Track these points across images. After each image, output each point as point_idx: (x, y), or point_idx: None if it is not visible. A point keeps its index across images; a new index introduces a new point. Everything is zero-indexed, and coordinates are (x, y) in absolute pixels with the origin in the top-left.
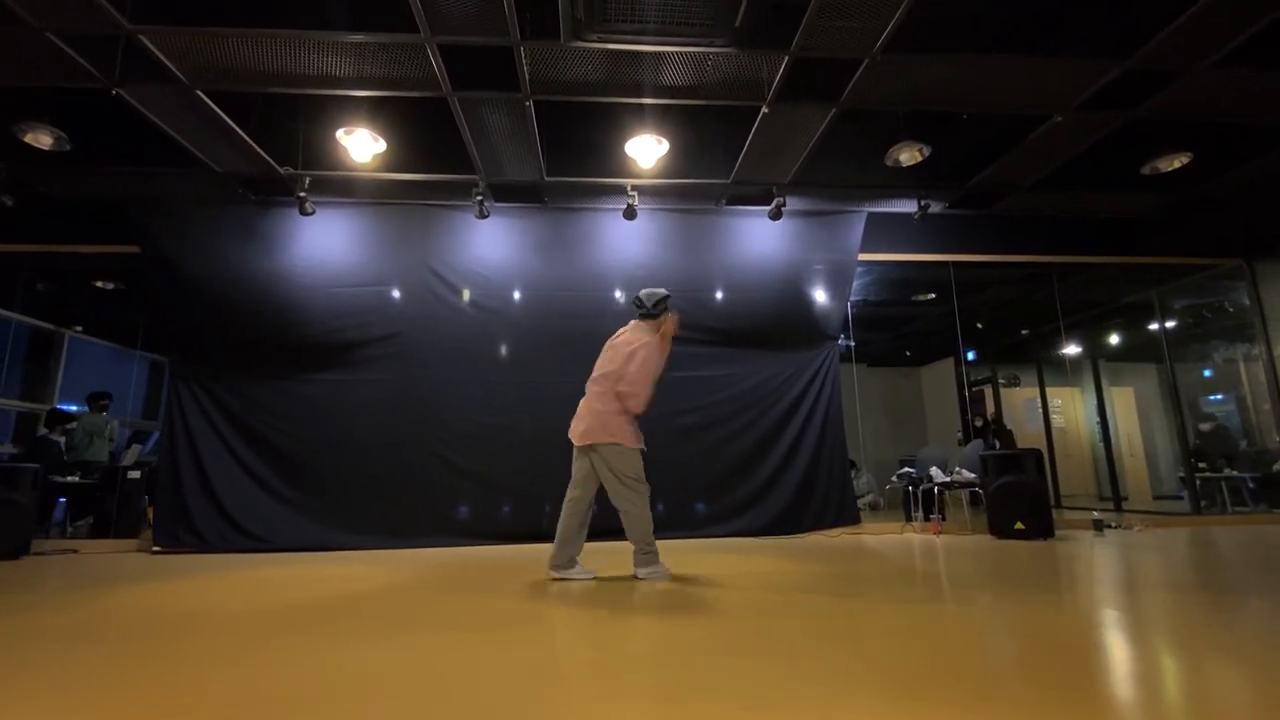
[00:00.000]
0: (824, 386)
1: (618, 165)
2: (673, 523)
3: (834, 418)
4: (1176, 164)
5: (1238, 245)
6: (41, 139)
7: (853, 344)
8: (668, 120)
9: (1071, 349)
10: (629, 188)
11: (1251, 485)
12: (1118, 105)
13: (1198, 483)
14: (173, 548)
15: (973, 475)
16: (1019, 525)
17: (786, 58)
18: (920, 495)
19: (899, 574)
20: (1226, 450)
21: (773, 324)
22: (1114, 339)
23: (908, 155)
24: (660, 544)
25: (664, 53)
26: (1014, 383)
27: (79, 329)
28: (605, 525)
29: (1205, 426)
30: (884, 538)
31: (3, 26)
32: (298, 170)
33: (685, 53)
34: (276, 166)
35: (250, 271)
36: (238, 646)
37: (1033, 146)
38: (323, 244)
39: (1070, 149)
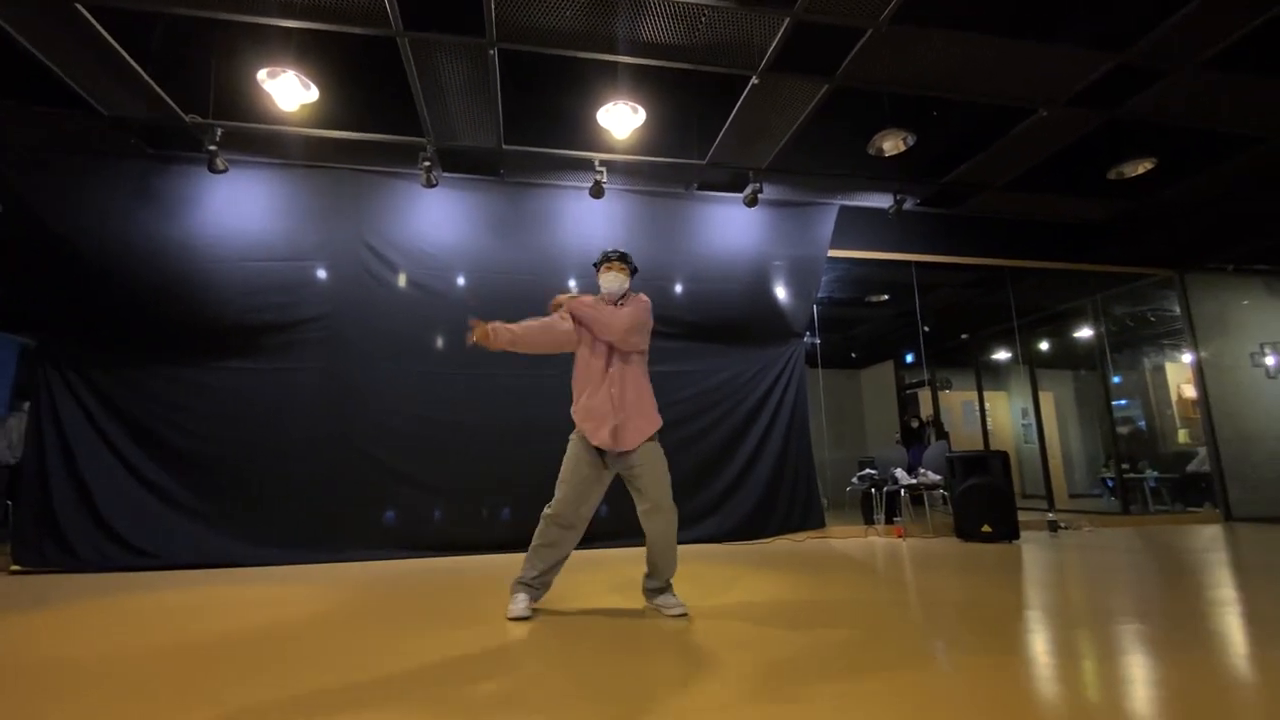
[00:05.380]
0: (789, 385)
1: (586, 137)
2: (631, 529)
3: (800, 417)
4: (1141, 169)
5: (1171, 256)
6: None
7: (818, 342)
8: (645, 86)
9: (1004, 354)
10: (596, 163)
11: (1168, 486)
12: (1102, 102)
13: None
14: (37, 566)
15: (939, 477)
16: (986, 528)
17: (788, 20)
18: (885, 497)
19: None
20: (1145, 452)
21: (740, 318)
22: (1044, 345)
23: (891, 144)
24: (618, 553)
25: (652, 1)
26: (946, 386)
27: None
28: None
29: (1124, 430)
30: (849, 541)
31: None
32: (208, 119)
33: (677, 3)
34: (181, 113)
35: (144, 237)
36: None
37: (1013, 142)
38: (237, 209)
39: (1047, 147)
